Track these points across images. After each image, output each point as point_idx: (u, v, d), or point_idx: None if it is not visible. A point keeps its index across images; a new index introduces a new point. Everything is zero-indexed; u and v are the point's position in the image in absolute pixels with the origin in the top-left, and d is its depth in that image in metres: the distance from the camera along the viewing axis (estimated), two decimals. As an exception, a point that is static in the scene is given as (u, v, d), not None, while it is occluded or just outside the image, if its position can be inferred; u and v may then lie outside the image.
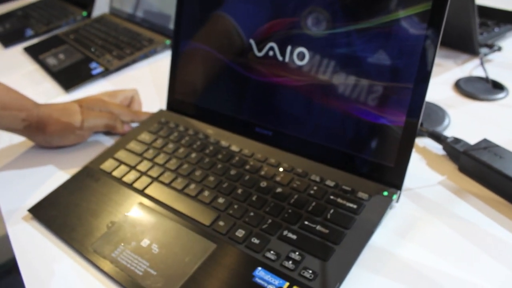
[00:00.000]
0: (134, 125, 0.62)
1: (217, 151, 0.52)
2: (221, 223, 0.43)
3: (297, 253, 0.38)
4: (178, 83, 0.60)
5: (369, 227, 0.40)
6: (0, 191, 0.53)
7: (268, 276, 0.37)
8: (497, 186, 0.45)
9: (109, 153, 0.55)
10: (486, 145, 0.48)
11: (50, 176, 0.55)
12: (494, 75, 0.65)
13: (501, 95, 0.61)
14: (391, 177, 0.43)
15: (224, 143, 0.53)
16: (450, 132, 0.55)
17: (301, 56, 0.48)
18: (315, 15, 0.46)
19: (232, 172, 0.48)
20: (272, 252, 0.39)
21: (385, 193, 0.43)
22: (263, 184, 0.46)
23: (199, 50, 0.57)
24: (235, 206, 0.44)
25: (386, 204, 0.42)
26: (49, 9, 1.17)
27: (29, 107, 0.56)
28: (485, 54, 0.72)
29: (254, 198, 0.45)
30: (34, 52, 0.94)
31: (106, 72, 0.80)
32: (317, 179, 0.46)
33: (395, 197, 0.43)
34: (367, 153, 0.45)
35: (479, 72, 0.67)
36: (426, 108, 0.57)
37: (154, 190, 0.48)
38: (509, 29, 0.77)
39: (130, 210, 0.46)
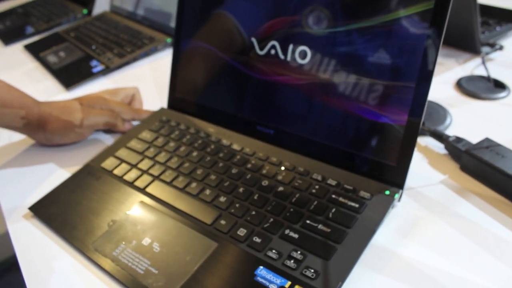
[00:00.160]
0: (135, 123, 0.62)
1: (218, 150, 0.52)
2: (222, 221, 0.43)
3: (299, 252, 0.38)
4: (179, 81, 0.60)
5: (371, 226, 0.40)
6: (1, 189, 0.53)
7: (270, 275, 0.37)
8: (499, 185, 0.45)
9: (110, 151, 0.55)
10: (488, 144, 0.48)
11: (51, 174, 0.55)
12: (495, 74, 0.65)
13: (502, 94, 0.61)
14: (393, 176, 0.43)
15: (225, 141, 0.53)
16: (451, 131, 0.55)
17: (303, 55, 0.48)
18: (317, 13, 0.46)
19: (234, 170, 0.48)
20: (273, 251, 0.39)
21: (387, 192, 0.43)
22: (265, 183, 0.46)
23: (201, 49, 0.57)
24: (237, 205, 0.44)
25: (388, 203, 0.42)
26: (50, 7, 1.17)
27: (30, 105, 0.56)
28: (487, 53, 0.71)
29: (255, 196, 0.45)
30: (34, 50, 0.93)
31: (107, 70, 0.80)
32: (319, 178, 0.46)
33: (397, 196, 0.43)
34: (369, 152, 0.45)
35: (481, 71, 0.67)
36: (427, 107, 0.57)
37: (155, 188, 0.48)
38: (510, 28, 0.77)
39: (131, 208, 0.46)
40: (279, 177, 0.47)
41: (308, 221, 0.41)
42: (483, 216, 0.43)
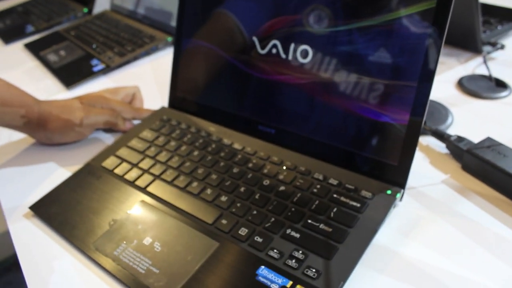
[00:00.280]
0: (136, 122, 0.62)
1: (219, 149, 0.52)
2: (223, 221, 0.42)
3: (300, 251, 0.38)
4: (180, 80, 0.60)
5: (372, 225, 0.40)
6: (1, 188, 0.53)
7: (271, 275, 0.37)
8: (501, 184, 0.45)
9: (110, 151, 0.55)
10: (489, 144, 0.47)
11: (51, 173, 0.55)
12: (497, 73, 0.65)
13: (504, 93, 0.61)
14: (394, 176, 0.43)
15: (226, 141, 0.53)
16: (453, 130, 0.55)
17: (304, 54, 0.47)
18: (318, 12, 0.46)
19: (235, 170, 0.48)
20: (275, 250, 0.39)
21: (389, 192, 0.43)
22: (266, 182, 0.46)
23: (202, 48, 0.57)
24: (238, 204, 0.44)
25: (389, 203, 0.42)
26: (50, 5, 1.17)
27: (30, 103, 0.55)
28: (488, 52, 0.71)
29: (257, 196, 0.45)
30: (34, 49, 0.93)
31: (107, 69, 0.80)
32: (320, 177, 0.45)
33: (398, 195, 0.43)
34: (371, 152, 0.45)
35: (482, 70, 0.67)
36: (429, 106, 0.57)
37: (156, 188, 0.48)
38: (512, 27, 0.77)
39: (132, 208, 0.46)
40: (281, 177, 0.46)
41: (309, 221, 0.41)
42: (484, 215, 0.43)
